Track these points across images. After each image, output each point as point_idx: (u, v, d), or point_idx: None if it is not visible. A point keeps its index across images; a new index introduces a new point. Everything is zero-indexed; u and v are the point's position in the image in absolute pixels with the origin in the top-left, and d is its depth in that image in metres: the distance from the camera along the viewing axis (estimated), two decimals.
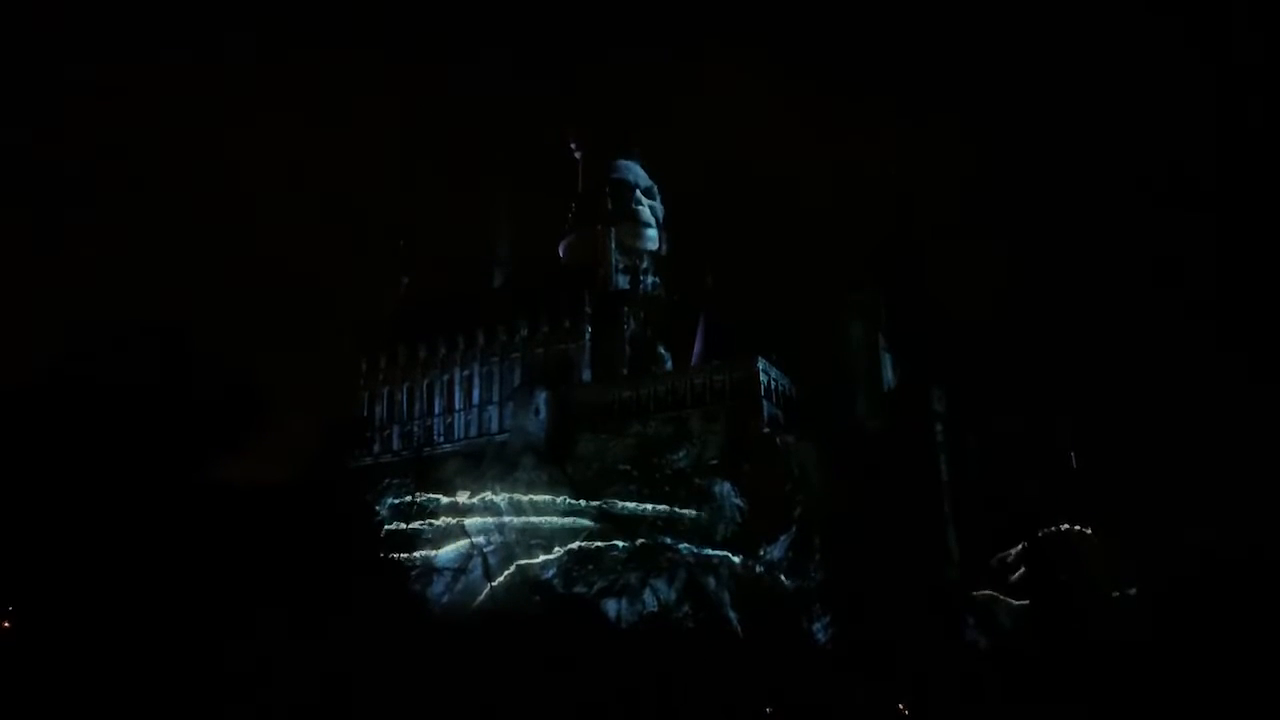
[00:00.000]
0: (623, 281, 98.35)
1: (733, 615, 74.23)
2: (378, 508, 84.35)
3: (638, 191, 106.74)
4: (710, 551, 76.84)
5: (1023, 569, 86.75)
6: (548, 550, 79.31)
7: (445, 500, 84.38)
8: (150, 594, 34.73)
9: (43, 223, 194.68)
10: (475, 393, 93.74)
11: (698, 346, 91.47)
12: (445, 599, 77.93)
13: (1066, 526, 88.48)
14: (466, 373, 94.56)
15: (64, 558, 34.15)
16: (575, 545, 78.99)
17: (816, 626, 76.03)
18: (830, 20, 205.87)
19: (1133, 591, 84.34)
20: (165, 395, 38.16)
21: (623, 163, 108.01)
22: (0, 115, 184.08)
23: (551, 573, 78.33)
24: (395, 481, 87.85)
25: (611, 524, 79.77)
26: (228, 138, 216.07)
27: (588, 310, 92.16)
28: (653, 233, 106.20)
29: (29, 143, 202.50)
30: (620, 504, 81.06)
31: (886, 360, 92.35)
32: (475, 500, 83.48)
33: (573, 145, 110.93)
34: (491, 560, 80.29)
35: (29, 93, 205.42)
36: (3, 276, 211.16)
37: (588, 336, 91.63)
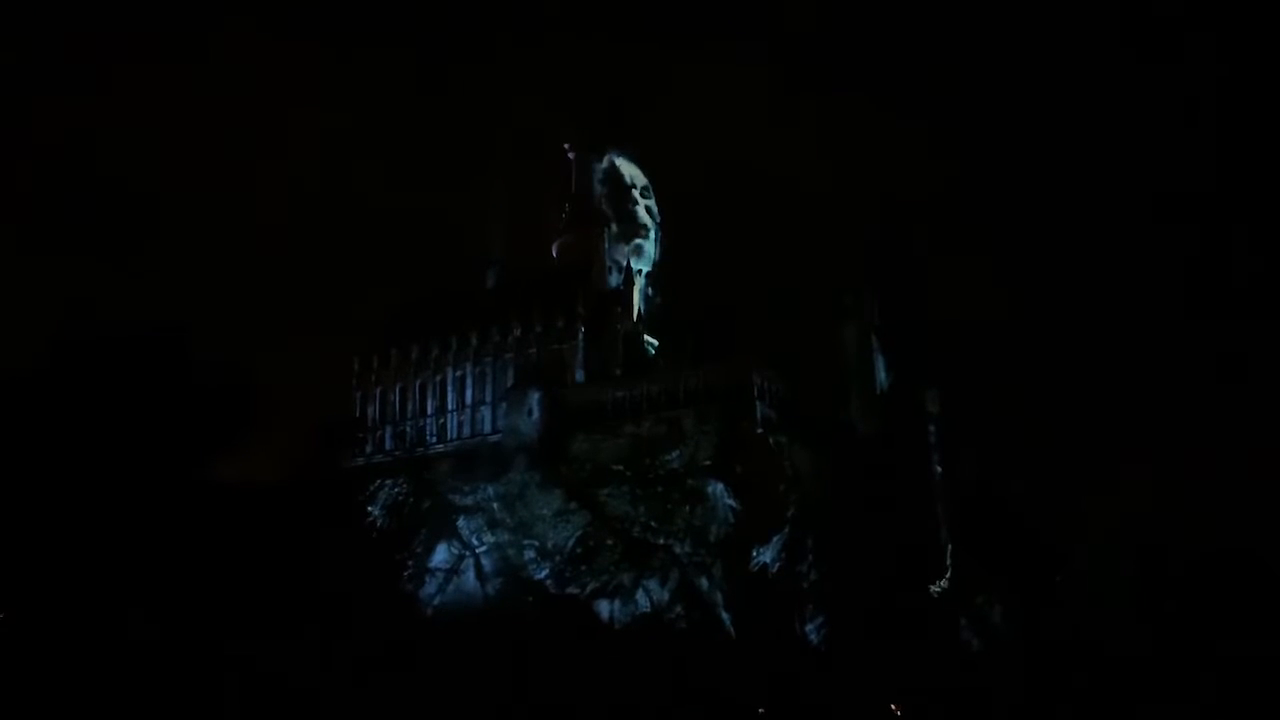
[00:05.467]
0: (616, 281, 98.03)
1: (726, 616, 74.13)
2: (370, 508, 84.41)
3: (634, 191, 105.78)
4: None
5: (1016, 570, 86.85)
6: (540, 551, 79.17)
7: (438, 501, 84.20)
8: (145, 590, 34.62)
9: (41, 222, 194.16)
10: (468, 393, 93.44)
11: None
12: (438, 600, 77.74)
13: (1060, 527, 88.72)
14: (459, 373, 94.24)
15: (61, 554, 34.04)
16: (568, 546, 78.88)
17: (810, 627, 76.00)
18: (829, 20, 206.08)
19: (1127, 592, 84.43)
20: (162, 395, 38.08)
21: (619, 160, 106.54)
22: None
23: (544, 573, 78.19)
24: (388, 482, 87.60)
25: (604, 524, 79.64)
26: (226, 140, 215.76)
27: (581, 310, 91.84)
28: (647, 232, 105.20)
29: (28, 142, 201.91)
30: (613, 504, 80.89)
31: (880, 361, 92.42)
32: (468, 500, 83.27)
33: (566, 146, 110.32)
34: (484, 561, 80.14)
35: (28, 91, 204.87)
36: (2, 275, 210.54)
37: (581, 336, 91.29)
